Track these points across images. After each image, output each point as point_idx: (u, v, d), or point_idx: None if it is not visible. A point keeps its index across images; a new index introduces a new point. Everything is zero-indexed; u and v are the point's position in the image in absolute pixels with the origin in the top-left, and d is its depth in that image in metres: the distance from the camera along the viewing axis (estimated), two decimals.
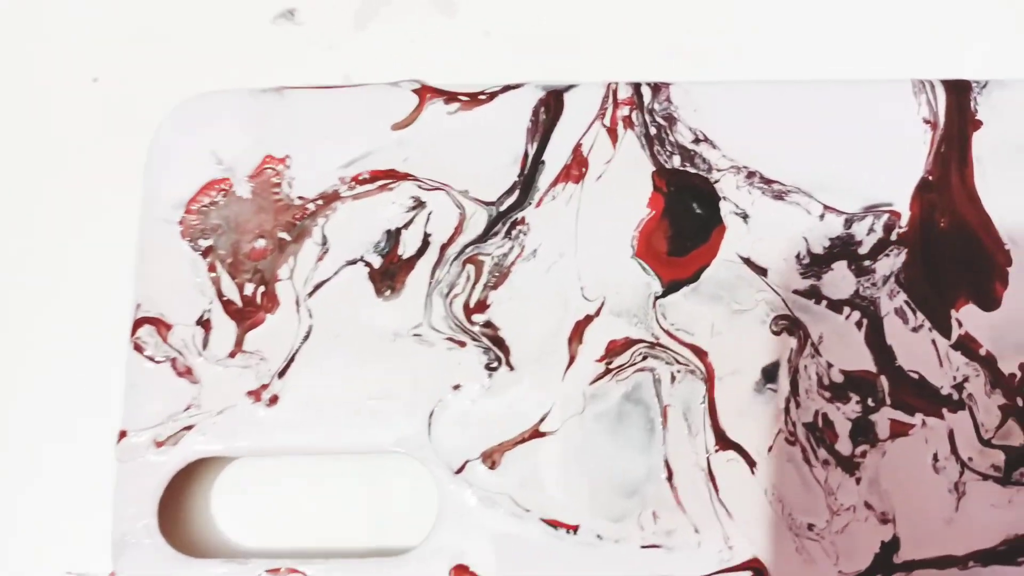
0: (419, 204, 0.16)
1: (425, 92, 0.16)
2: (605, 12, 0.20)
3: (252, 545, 0.15)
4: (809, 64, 0.17)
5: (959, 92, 0.15)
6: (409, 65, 0.20)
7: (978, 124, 0.18)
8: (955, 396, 0.14)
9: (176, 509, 0.17)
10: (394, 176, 0.18)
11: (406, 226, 0.18)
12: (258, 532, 0.15)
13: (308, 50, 0.21)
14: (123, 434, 0.16)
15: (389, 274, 0.15)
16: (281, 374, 0.15)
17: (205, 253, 0.18)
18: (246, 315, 0.15)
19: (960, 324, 0.14)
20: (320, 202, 0.18)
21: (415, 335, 0.17)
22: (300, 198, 0.18)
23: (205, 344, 0.17)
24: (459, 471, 0.14)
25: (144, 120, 0.17)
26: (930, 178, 0.15)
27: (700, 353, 0.14)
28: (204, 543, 0.15)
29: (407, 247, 0.18)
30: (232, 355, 0.17)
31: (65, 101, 0.20)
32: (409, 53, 0.21)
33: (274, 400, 0.14)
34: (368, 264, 0.18)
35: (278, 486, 0.18)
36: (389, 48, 0.21)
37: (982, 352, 0.14)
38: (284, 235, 0.17)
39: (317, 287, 0.18)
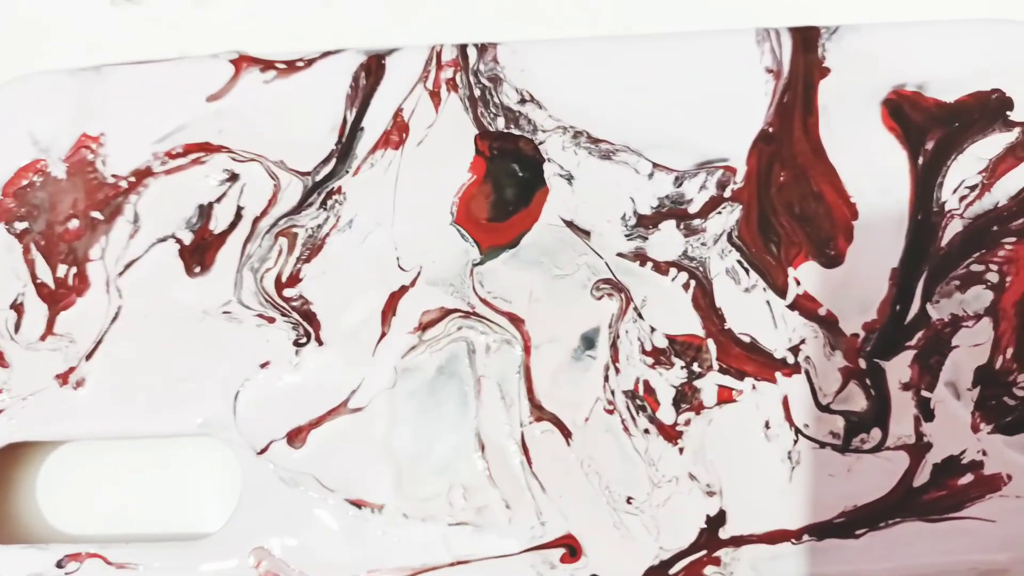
0: (232, 177, 0.15)
1: (242, 62, 0.16)
2: None
3: (74, 530, 0.15)
4: (653, 18, 0.16)
5: (806, 39, 0.15)
6: (248, 39, 0.21)
7: (826, 71, 0.19)
8: (790, 359, 0.13)
9: None
10: (207, 149, 0.19)
11: (219, 200, 0.19)
12: (79, 517, 0.15)
13: (148, 29, 0.21)
14: None
15: (199, 251, 0.15)
16: (88, 356, 0.14)
17: (20, 236, 0.19)
18: (58, 297, 0.15)
19: (798, 283, 0.14)
20: (133, 179, 0.19)
21: (225, 312, 0.18)
22: (114, 176, 0.19)
23: (17, 328, 0.18)
24: (262, 452, 0.13)
25: None
26: (770, 130, 0.14)
27: (517, 321, 0.14)
28: (27, 528, 0.15)
29: (219, 222, 0.19)
30: (43, 338, 0.18)
31: None
32: (248, 27, 0.22)
33: (80, 383, 0.14)
34: (179, 241, 0.19)
35: (99, 471, 0.19)
36: (227, 23, 0.18)
37: (822, 312, 0.13)
38: (97, 215, 0.16)
39: (128, 266, 0.18)
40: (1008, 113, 0.18)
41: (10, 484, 0.18)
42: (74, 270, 0.18)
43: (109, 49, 0.21)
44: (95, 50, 0.21)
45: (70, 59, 0.21)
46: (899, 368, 0.16)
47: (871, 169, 0.17)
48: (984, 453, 0.16)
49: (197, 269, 0.18)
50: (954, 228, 0.17)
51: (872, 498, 0.16)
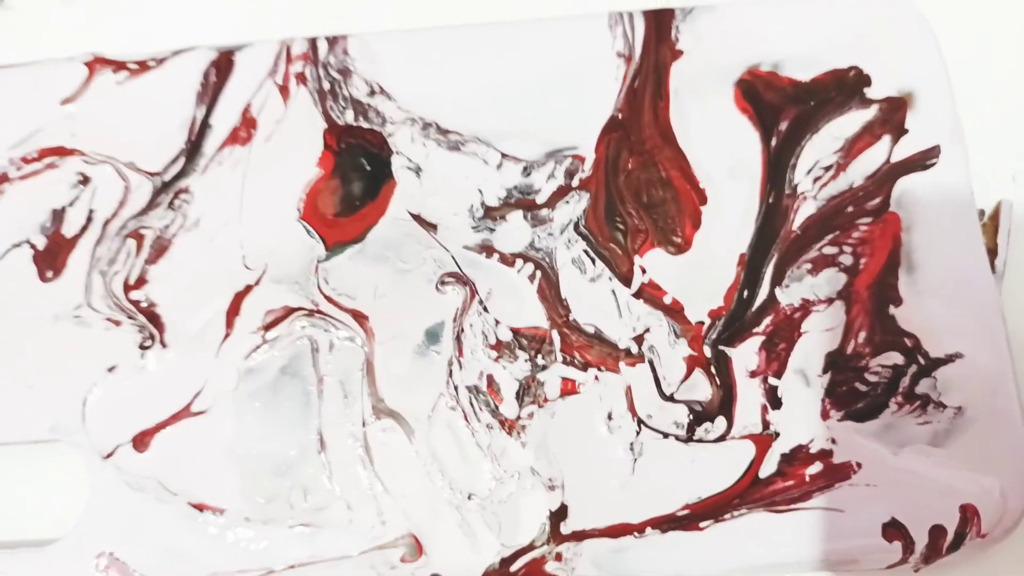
0: (84, 180, 0.15)
1: (95, 63, 0.16)
2: None
3: None
4: (507, 4, 0.16)
5: (660, 21, 0.15)
6: (109, 38, 0.21)
7: (678, 54, 0.19)
8: (634, 349, 0.13)
9: None
10: (61, 152, 0.20)
11: (71, 204, 0.19)
12: None
13: (16, 32, 0.21)
14: None
15: (52, 255, 0.15)
16: None
17: None
18: None
19: (644, 271, 0.14)
20: None
21: (75, 316, 0.19)
22: None
23: None
24: (109, 456, 0.13)
25: None
26: (620, 116, 0.14)
27: (361, 318, 0.14)
28: None
29: (71, 225, 0.19)
30: None
31: None
32: (112, 25, 0.23)
33: None
34: (33, 246, 0.19)
35: None
36: (93, 22, 0.18)
37: (667, 300, 0.13)
38: None
39: None
40: (865, 90, 0.18)
41: None
42: None
43: None
44: None
45: None
46: (746, 356, 0.16)
47: (722, 153, 0.18)
48: (834, 441, 0.16)
49: (49, 274, 0.18)
50: (807, 210, 0.18)
51: (717, 490, 0.16)
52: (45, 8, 0.24)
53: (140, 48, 0.21)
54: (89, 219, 0.20)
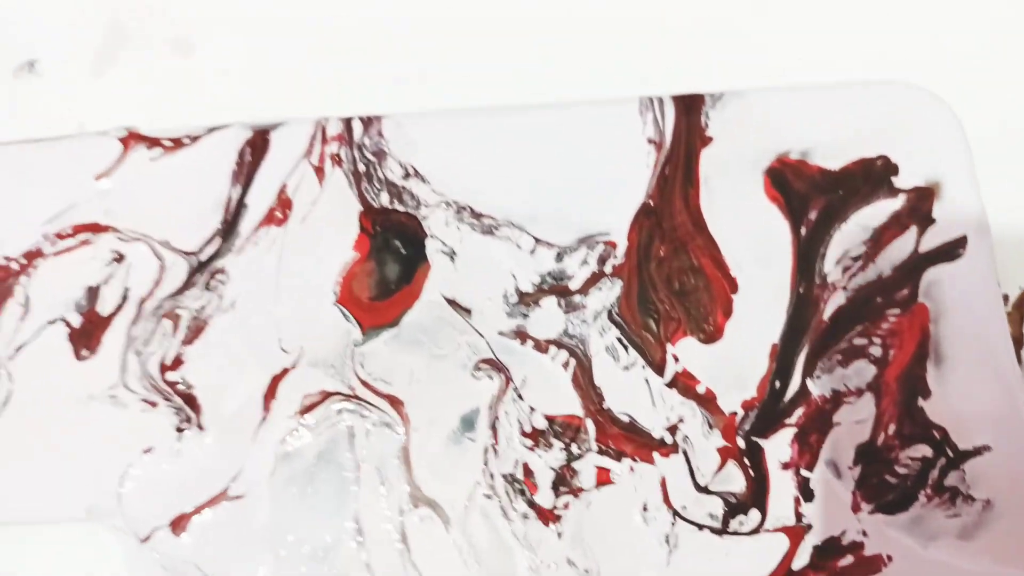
0: (119, 257, 0.15)
1: (130, 139, 0.16)
2: (326, 46, 0.22)
3: None
4: (539, 88, 0.21)
5: (689, 107, 0.15)
6: (146, 108, 0.21)
7: (708, 140, 0.20)
8: (668, 439, 0.14)
9: None
10: (95, 229, 0.20)
11: (106, 281, 0.20)
12: None
13: (48, 101, 0.22)
14: None
15: (87, 334, 0.20)
16: None
17: None
18: None
19: (676, 360, 0.14)
20: (24, 260, 0.20)
21: (111, 396, 0.19)
22: (5, 257, 0.20)
23: None
24: (146, 539, 0.14)
25: None
26: (651, 203, 0.15)
27: (397, 403, 0.14)
28: None
29: (106, 304, 0.20)
30: None
31: None
32: (146, 96, 0.22)
33: None
34: (68, 324, 0.19)
35: None
36: (126, 93, 0.22)
37: (700, 389, 0.14)
38: None
39: (18, 349, 0.19)
40: (893, 179, 0.19)
41: None
42: None
43: (6, 120, 0.21)
44: None
45: None
46: (779, 447, 0.17)
47: (752, 241, 0.18)
48: (865, 533, 0.17)
49: (85, 353, 0.18)
50: (837, 301, 0.18)
51: None
52: (75, 77, 0.24)
53: (172, 122, 0.21)
54: (124, 298, 0.20)
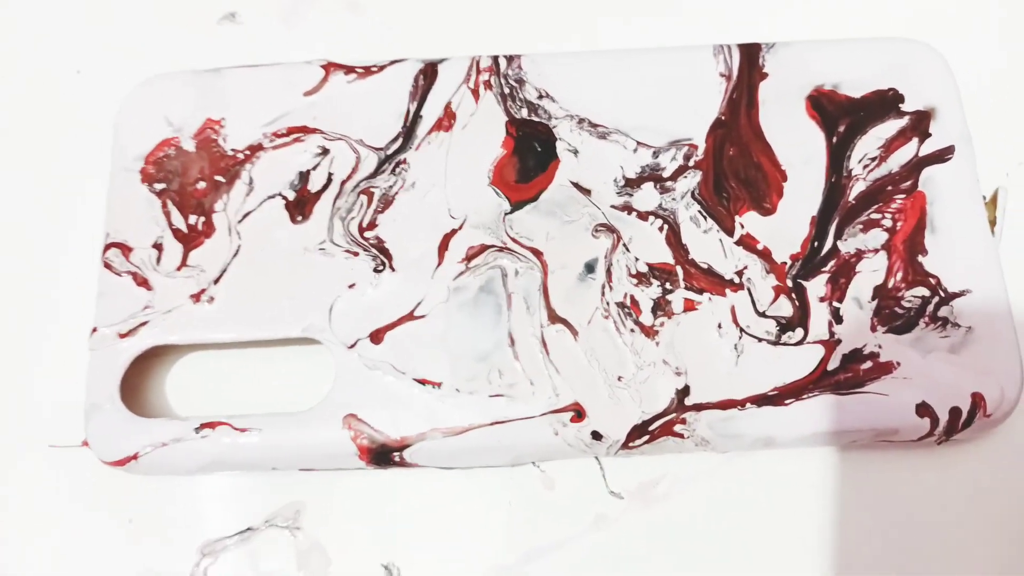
0: (324, 151, 0.26)
1: (330, 67, 0.26)
2: (475, 3, 0.34)
3: (198, 414, 0.25)
4: (638, 37, 0.28)
5: (751, 52, 0.26)
6: (325, 53, 0.28)
7: (764, 76, 0.26)
8: (736, 280, 0.23)
9: (137, 387, 0.29)
10: (305, 130, 0.27)
11: (314, 168, 0.26)
12: (204, 406, 0.24)
13: (248, 44, 0.33)
14: (95, 330, 0.25)
15: (301, 204, 0.25)
16: (216, 281, 0.24)
17: (159, 194, 0.26)
18: (190, 239, 0.25)
19: (743, 227, 0.24)
20: (248, 152, 0.26)
21: (320, 249, 0.25)
22: (233, 150, 0.26)
23: (158, 261, 0.25)
24: (351, 347, 0.23)
25: (116, 95, 0.31)
26: (723, 118, 0.25)
27: (537, 253, 0.24)
28: (160, 414, 0.24)
29: (315, 184, 0.26)
30: (179, 269, 0.25)
31: (56, 85, 0.33)
32: (325, 43, 0.29)
33: (211, 300, 0.24)
34: (284, 197, 0.25)
35: (222, 371, 0.29)
36: (310, 40, 0.29)
37: (759, 247, 0.24)
38: (220, 178, 0.25)
39: (245, 216, 0.26)
40: (900, 105, 0.28)
41: (151, 381, 0.27)
42: (202, 219, 0.27)
43: (216, 58, 0.31)
44: (206, 59, 0.31)
45: (192, 62, 0.30)
46: (817, 287, 0.26)
47: (797, 146, 0.28)
48: (880, 347, 0.26)
49: (299, 219, 0.27)
50: (859, 187, 0.27)
51: (797, 378, 0.25)
52: (269, 26, 0.34)
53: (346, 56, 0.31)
54: (329, 180, 0.29)
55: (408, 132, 0.29)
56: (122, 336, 0.28)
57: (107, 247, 0.28)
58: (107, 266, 0.28)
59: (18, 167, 0.32)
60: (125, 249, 0.28)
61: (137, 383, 0.29)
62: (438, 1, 0.33)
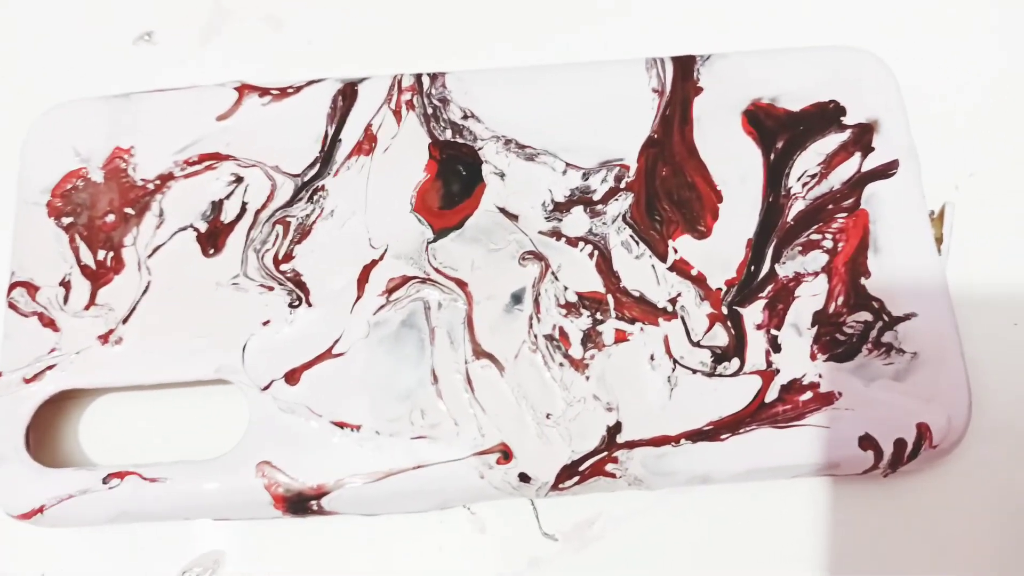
0: (238, 179, 0.24)
1: (244, 89, 0.25)
2: (397, 16, 0.33)
3: (107, 461, 0.24)
4: (565, 52, 0.27)
5: (685, 65, 0.24)
6: (244, 71, 0.27)
7: (699, 90, 0.25)
8: (670, 308, 0.22)
9: (45, 434, 0.28)
10: (218, 157, 0.25)
11: (227, 197, 0.25)
12: (116, 451, 0.23)
13: (163, 65, 0.32)
14: None
15: (213, 237, 0.24)
16: (125, 320, 0.23)
17: (67, 228, 0.24)
18: (98, 276, 0.24)
19: (676, 251, 0.23)
20: (158, 182, 0.25)
21: (233, 284, 0.24)
22: (143, 179, 0.25)
23: (66, 300, 0.24)
24: (265, 388, 0.22)
25: (21, 124, 0.29)
26: (655, 136, 0.24)
27: (462, 284, 0.23)
28: (69, 461, 0.23)
29: (228, 214, 0.25)
30: (87, 307, 0.24)
31: None
32: (245, 61, 0.28)
33: (119, 341, 0.23)
34: (196, 229, 0.29)
35: (133, 413, 0.28)
36: (228, 59, 0.28)
37: (694, 272, 0.23)
38: (129, 210, 0.24)
39: (155, 250, 0.29)
40: (841, 118, 0.27)
41: (58, 427, 0.26)
42: (111, 254, 0.26)
43: (131, 80, 0.30)
44: (120, 80, 0.29)
45: (100, 88, 0.29)
46: (754, 314, 0.25)
47: (733, 164, 0.27)
48: (820, 376, 0.25)
49: (211, 251, 0.26)
50: (798, 207, 0.26)
51: (733, 411, 0.24)
52: (185, 46, 0.32)
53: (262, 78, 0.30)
54: (243, 209, 0.28)
55: (326, 157, 0.28)
56: (27, 381, 0.26)
57: (12, 286, 0.27)
58: (12, 306, 0.27)
59: None
60: (31, 288, 0.27)
61: (44, 429, 0.28)
62: (360, 16, 0.32)
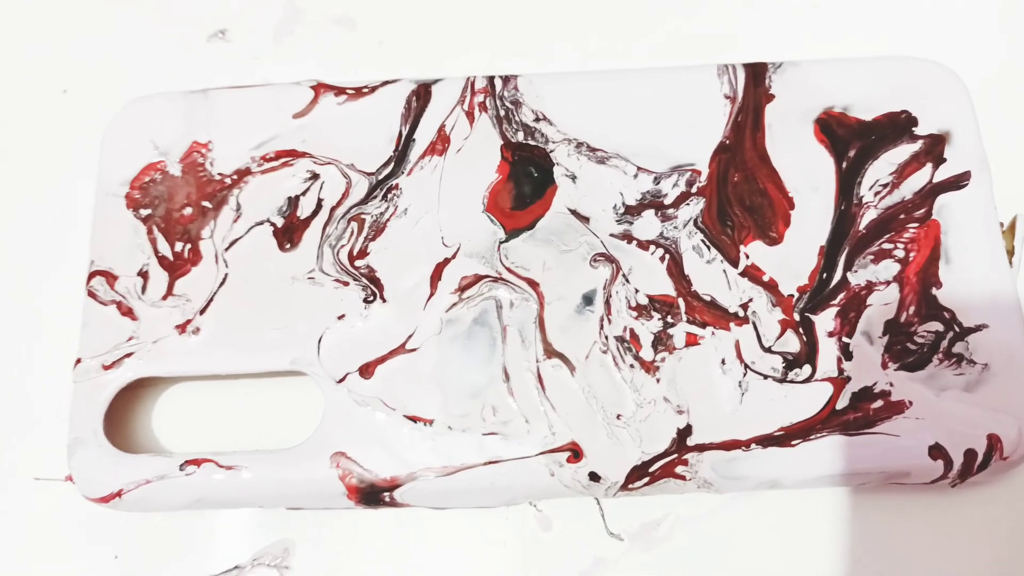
0: (314, 176, 0.25)
1: (320, 88, 0.26)
2: (470, 20, 0.33)
3: (180, 448, 0.24)
4: (638, 57, 0.27)
5: (756, 72, 0.25)
6: (315, 70, 0.32)
7: (771, 97, 0.26)
8: (741, 313, 0.23)
9: (121, 420, 0.29)
10: (294, 154, 0.26)
11: (303, 193, 0.26)
12: (187, 439, 0.24)
13: (237, 62, 0.33)
14: (78, 361, 0.24)
15: (289, 231, 0.25)
16: (202, 311, 0.24)
17: (145, 220, 0.25)
18: (176, 267, 0.25)
19: (747, 257, 0.23)
20: (235, 176, 0.26)
21: (309, 278, 0.25)
22: (220, 174, 0.26)
23: (143, 290, 0.25)
24: (340, 381, 0.23)
25: (102, 118, 0.30)
26: (727, 142, 0.24)
27: (533, 284, 0.24)
28: (144, 447, 0.24)
29: (304, 210, 0.26)
30: (164, 298, 0.28)
31: (41, 106, 0.33)
32: (316, 59, 0.28)
33: (196, 331, 0.23)
34: (273, 224, 0.30)
35: (208, 402, 0.29)
36: (301, 57, 0.29)
37: (765, 279, 0.23)
38: (206, 204, 0.25)
39: (232, 243, 0.30)
40: (913, 129, 0.27)
41: (134, 414, 0.27)
42: (189, 246, 0.27)
43: (205, 76, 0.30)
44: (195, 77, 0.30)
45: (176, 84, 0.30)
46: (825, 321, 0.25)
47: (805, 172, 0.27)
48: (891, 385, 0.25)
49: (287, 246, 0.27)
50: (870, 216, 0.26)
51: (804, 417, 0.24)
52: (258, 44, 0.33)
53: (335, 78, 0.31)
54: (319, 206, 0.29)
55: (400, 156, 0.29)
56: (106, 368, 0.27)
57: (91, 275, 0.28)
58: (91, 295, 0.28)
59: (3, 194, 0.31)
60: (110, 277, 0.28)
61: (121, 416, 0.29)
62: (433, 17, 0.33)
